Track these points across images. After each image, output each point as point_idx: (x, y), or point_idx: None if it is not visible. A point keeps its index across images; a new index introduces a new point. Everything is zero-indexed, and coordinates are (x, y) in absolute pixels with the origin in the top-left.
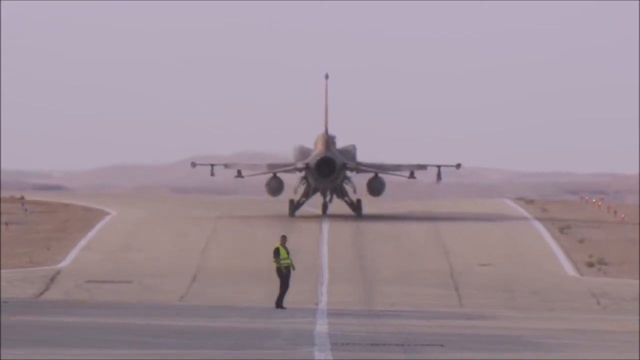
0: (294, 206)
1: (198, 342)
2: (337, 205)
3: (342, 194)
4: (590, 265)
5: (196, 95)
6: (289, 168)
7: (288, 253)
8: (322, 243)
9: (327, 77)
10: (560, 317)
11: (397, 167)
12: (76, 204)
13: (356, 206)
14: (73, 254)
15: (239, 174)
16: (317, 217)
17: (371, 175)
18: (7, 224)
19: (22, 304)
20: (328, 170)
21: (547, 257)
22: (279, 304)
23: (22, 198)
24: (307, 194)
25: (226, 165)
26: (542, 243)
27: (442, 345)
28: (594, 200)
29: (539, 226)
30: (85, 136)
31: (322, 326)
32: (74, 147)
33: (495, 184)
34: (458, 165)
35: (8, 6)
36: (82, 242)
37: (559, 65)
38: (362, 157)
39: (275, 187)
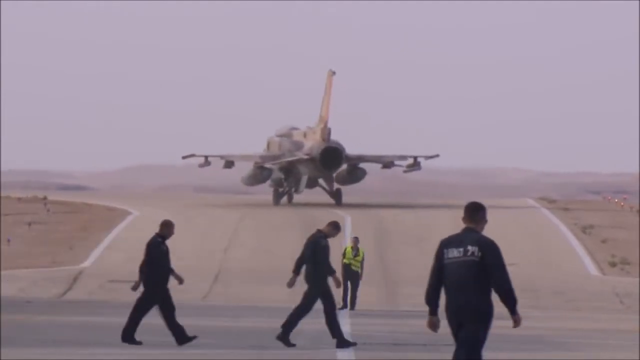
0: (279, 195)
1: (221, 342)
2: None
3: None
4: (613, 265)
5: (214, 95)
6: (293, 159)
7: (356, 255)
8: (345, 244)
9: (334, 73)
10: (585, 317)
11: (378, 158)
12: (99, 204)
13: (336, 195)
14: (96, 254)
15: (228, 165)
16: (340, 217)
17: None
18: (29, 224)
19: (45, 303)
20: (333, 160)
21: (570, 257)
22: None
23: (45, 198)
24: (281, 184)
25: (222, 157)
26: (565, 243)
27: None
28: (616, 200)
29: (561, 226)
30: (106, 136)
31: (344, 326)
32: (96, 147)
33: (517, 184)
34: (435, 156)
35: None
36: (105, 242)
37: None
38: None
39: (266, 177)
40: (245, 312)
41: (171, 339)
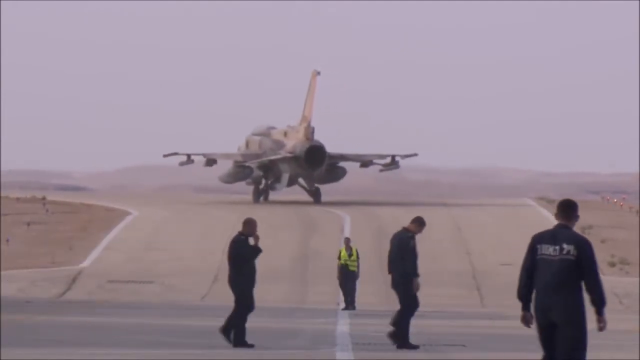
0: (259, 192)
1: (220, 342)
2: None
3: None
4: (612, 265)
5: (213, 95)
6: (276, 157)
7: (350, 255)
8: (342, 245)
9: (318, 73)
10: None
11: (359, 157)
12: (98, 204)
13: (315, 194)
14: (95, 254)
15: (209, 163)
16: (338, 218)
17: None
18: (29, 224)
19: (45, 303)
20: (318, 159)
21: None
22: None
23: (44, 198)
24: (260, 182)
25: (204, 155)
26: None
27: (464, 346)
28: (615, 200)
29: None
30: (105, 136)
31: (343, 326)
32: (95, 148)
33: (516, 184)
34: (413, 155)
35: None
36: (104, 242)
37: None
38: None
39: (247, 175)
40: None
41: (170, 338)
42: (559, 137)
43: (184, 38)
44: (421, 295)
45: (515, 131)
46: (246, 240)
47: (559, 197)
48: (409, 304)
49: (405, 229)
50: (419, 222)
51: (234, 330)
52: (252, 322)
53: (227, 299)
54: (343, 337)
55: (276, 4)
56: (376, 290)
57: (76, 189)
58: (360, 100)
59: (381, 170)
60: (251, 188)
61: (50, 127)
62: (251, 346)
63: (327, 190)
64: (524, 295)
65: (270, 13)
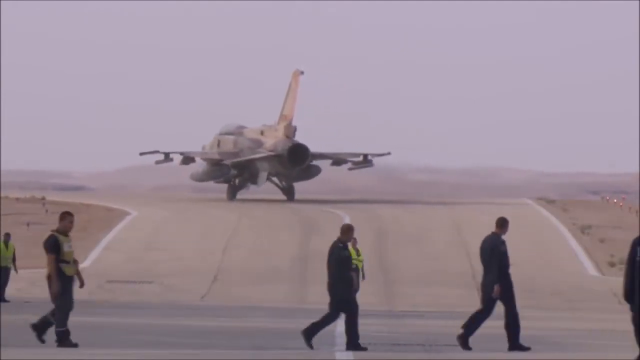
0: (233, 190)
1: (219, 342)
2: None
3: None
4: (612, 265)
5: (212, 94)
6: (258, 156)
7: (358, 255)
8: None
9: (302, 72)
10: (583, 317)
11: (335, 155)
12: (97, 204)
13: (289, 191)
14: (94, 254)
15: (185, 162)
16: (338, 218)
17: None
18: (28, 224)
19: (45, 303)
20: (300, 157)
21: (568, 257)
22: None
23: (43, 198)
24: (236, 179)
25: (182, 154)
26: (564, 243)
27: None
28: (615, 200)
29: (560, 226)
30: (106, 136)
31: (343, 326)
32: (95, 147)
33: (516, 184)
34: (387, 154)
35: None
36: (104, 242)
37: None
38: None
39: (224, 173)
40: (245, 312)
41: (170, 338)
42: (559, 137)
43: (185, 38)
44: (421, 295)
45: (515, 131)
46: (345, 246)
47: (559, 197)
48: (490, 307)
49: (494, 234)
50: (503, 222)
51: (313, 329)
52: (252, 323)
53: (226, 299)
54: (343, 337)
55: (275, 3)
56: (376, 290)
57: (76, 188)
58: (359, 100)
59: (350, 169)
60: (223, 186)
61: (50, 127)
62: (365, 349)
63: (327, 190)
64: (629, 298)
65: (268, 13)
